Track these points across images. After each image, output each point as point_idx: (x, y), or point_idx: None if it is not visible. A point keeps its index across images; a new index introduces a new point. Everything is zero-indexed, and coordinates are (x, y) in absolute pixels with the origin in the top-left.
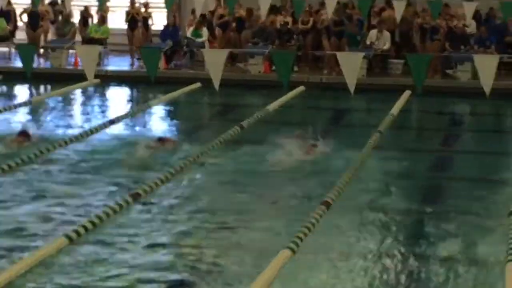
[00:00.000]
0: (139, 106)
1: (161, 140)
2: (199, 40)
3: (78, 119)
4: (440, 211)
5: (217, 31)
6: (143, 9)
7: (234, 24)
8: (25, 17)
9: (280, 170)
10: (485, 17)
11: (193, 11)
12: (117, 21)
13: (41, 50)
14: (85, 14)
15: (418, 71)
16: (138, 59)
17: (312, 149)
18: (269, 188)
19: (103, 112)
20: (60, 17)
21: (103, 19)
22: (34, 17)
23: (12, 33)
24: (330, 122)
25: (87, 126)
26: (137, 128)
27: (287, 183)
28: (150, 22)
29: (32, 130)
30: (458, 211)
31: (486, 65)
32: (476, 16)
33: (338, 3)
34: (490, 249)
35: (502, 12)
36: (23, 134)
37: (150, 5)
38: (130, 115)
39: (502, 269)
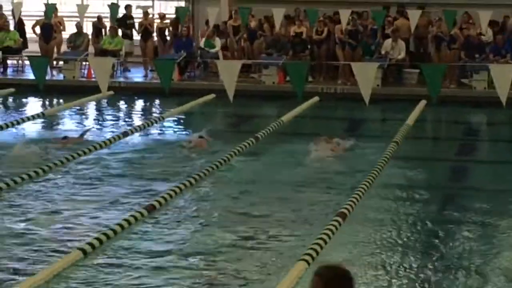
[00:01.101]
0: (153, 118)
1: (200, 137)
2: (212, 50)
3: (92, 131)
4: (457, 221)
5: (230, 41)
6: (158, 20)
7: (245, 35)
8: (38, 29)
9: (295, 181)
10: (500, 26)
11: (207, 22)
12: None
13: (54, 62)
14: (99, 25)
15: (433, 81)
16: (152, 70)
17: (336, 147)
18: (285, 199)
19: (117, 124)
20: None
21: (115, 31)
22: (47, 29)
23: (24, 45)
24: (346, 132)
25: (100, 138)
26: (152, 140)
27: (302, 194)
28: (166, 33)
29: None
30: (475, 221)
31: (502, 74)
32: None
33: (352, 12)
34: (508, 260)
35: None
36: (66, 138)
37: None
38: (145, 126)
39: None
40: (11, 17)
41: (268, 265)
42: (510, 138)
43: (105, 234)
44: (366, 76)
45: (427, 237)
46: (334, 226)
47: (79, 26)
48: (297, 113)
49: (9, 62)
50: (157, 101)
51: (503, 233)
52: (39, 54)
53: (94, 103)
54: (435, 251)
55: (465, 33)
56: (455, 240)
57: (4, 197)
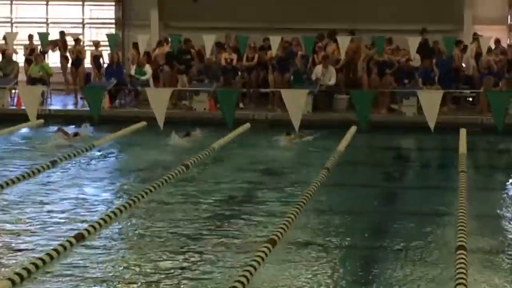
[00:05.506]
0: (84, 146)
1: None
2: (143, 78)
3: (20, 161)
4: (387, 246)
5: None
6: (93, 48)
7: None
8: None
9: (223, 208)
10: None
11: (134, 45)
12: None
13: None
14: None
15: (362, 107)
16: (82, 98)
17: (292, 139)
18: (213, 226)
19: (46, 152)
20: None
21: (40, 58)
22: None
23: None
24: (276, 159)
25: (28, 167)
26: (82, 168)
27: (232, 221)
28: (101, 60)
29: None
30: (404, 246)
31: (430, 100)
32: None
33: (282, 39)
34: (438, 285)
35: (445, 46)
36: (62, 131)
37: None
38: (74, 155)
39: None
40: None
41: None
42: (439, 162)
43: (33, 263)
44: (296, 102)
45: (358, 263)
46: (264, 253)
47: (8, 54)
48: (228, 140)
49: None
50: (87, 129)
51: (435, 257)
52: None
53: (23, 131)
54: (365, 275)
55: (396, 59)
56: (386, 265)
57: None
